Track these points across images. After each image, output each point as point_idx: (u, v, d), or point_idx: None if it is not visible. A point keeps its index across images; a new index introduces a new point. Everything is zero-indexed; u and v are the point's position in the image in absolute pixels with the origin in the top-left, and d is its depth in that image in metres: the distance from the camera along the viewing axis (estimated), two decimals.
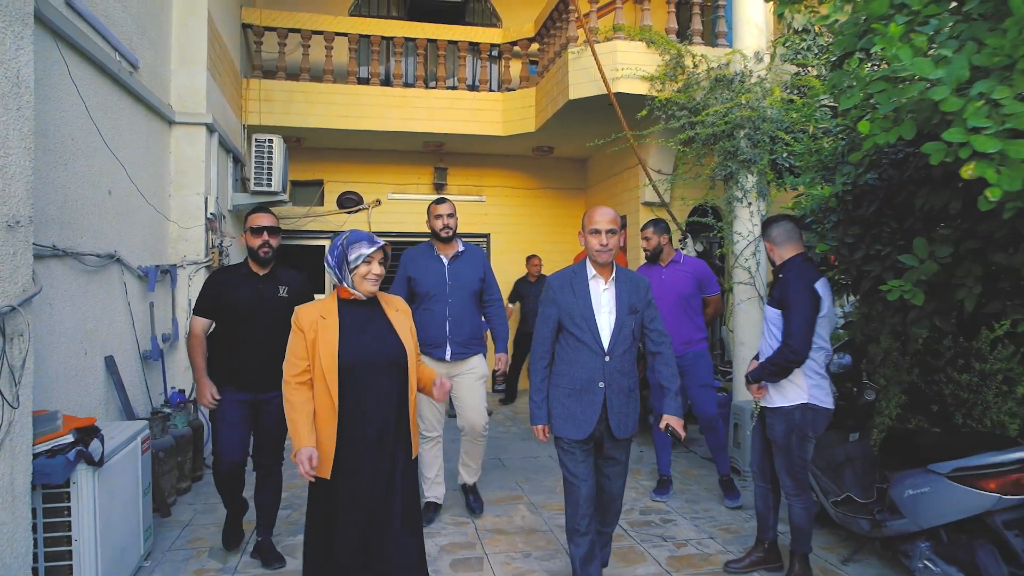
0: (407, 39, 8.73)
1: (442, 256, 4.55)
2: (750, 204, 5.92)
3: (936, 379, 4.45)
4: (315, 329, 2.75)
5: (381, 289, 3.02)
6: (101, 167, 4.34)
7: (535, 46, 8.70)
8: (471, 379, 4.56)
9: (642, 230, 5.15)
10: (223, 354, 3.77)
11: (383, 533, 2.77)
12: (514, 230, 9.96)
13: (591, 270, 3.27)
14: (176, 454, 4.90)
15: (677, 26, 6.96)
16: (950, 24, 2.23)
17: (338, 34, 8.45)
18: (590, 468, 3.25)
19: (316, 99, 8.17)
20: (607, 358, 3.19)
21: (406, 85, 8.82)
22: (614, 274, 3.27)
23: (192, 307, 3.98)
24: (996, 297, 3.03)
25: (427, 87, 8.73)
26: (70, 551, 3.06)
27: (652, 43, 6.70)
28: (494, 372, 4.91)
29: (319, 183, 9.40)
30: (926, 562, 3.30)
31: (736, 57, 6.13)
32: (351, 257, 2.78)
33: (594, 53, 6.51)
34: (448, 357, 4.47)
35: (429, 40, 8.74)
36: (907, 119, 2.22)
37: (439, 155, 9.66)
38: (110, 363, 4.43)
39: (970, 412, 4.26)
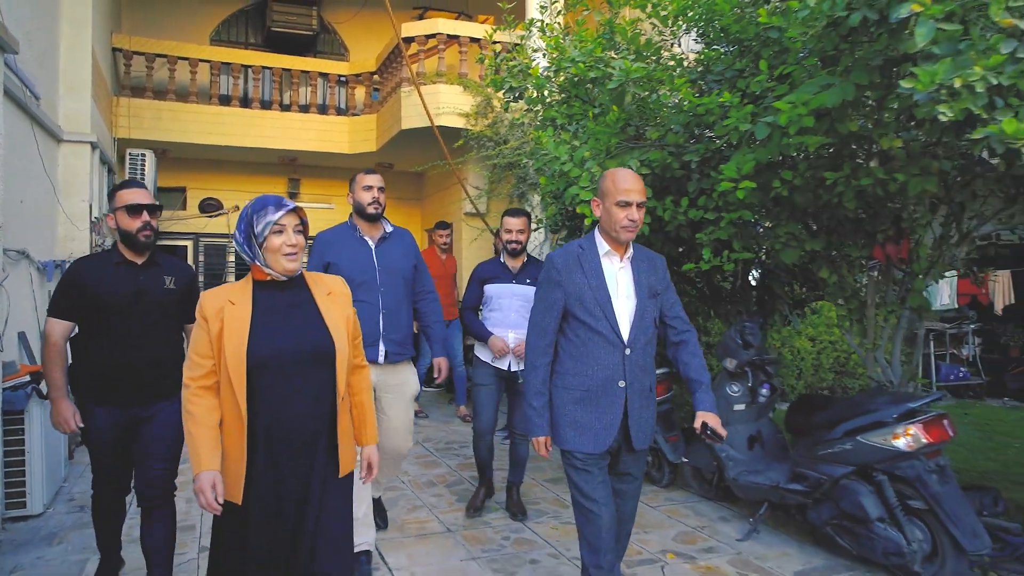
0: (264, 67, 10.03)
1: (367, 238, 3.73)
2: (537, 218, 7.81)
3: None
4: (220, 318, 2.18)
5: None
6: (15, 180, 5.51)
7: (377, 77, 10.26)
8: (401, 398, 3.75)
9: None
10: (92, 363, 3.00)
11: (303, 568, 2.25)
12: None
13: (603, 245, 2.70)
14: None
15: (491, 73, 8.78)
16: (582, 128, 4.09)
17: (202, 60, 9.62)
18: (609, 490, 2.71)
19: (182, 117, 9.32)
20: (628, 351, 2.64)
21: (263, 106, 10.09)
22: (631, 252, 2.74)
23: (48, 308, 3.09)
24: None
25: (282, 110, 10.06)
26: (24, 459, 4.34)
27: (466, 88, 8.47)
28: (432, 381, 4.72)
29: (182, 190, 10.49)
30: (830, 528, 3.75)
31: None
32: (258, 228, 2.20)
33: (420, 95, 8.18)
34: (381, 359, 3.62)
35: (284, 69, 10.09)
36: (559, 179, 4.04)
37: (293, 167, 11.00)
38: (22, 337, 5.58)
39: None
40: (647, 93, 3.78)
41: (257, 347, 2.17)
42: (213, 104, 9.60)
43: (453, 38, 8.80)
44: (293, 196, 11.08)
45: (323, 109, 10.38)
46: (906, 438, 3.40)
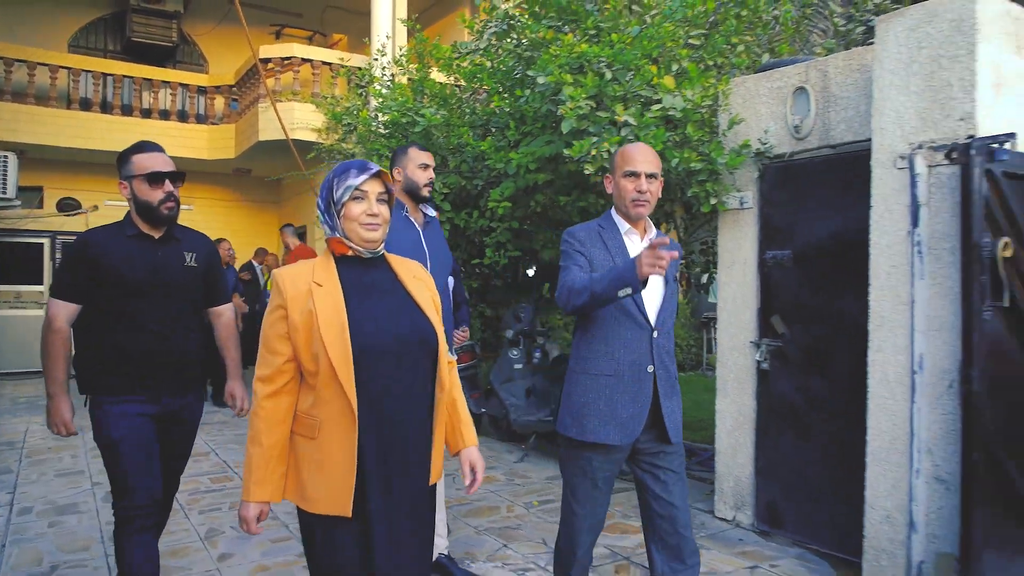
0: (125, 75, 10.69)
1: (414, 221, 3.32)
2: None
3: None
4: (307, 301, 1.87)
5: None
6: None
7: (235, 90, 11.15)
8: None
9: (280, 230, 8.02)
10: (109, 348, 2.61)
11: None
12: (218, 234, 12.24)
13: (622, 223, 2.52)
14: None
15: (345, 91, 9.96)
16: None
17: (62, 67, 10.17)
18: (606, 497, 2.54)
19: (41, 120, 9.86)
20: (655, 333, 2.46)
21: (124, 112, 10.73)
22: (652, 232, 2.55)
23: (51, 288, 2.66)
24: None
25: (143, 116, 10.75)
26: None
27: (318, 106, 9.62)
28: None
29: (39, 189, 10.91)
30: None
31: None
32: (337, 193, 1.92)
33: (276, 112, 9.24)
34: None
35: (145, 78, 10.79)
36: None
37: None
38: None
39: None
40: (444, 136, 5.19)
41: (359, 331, 1.85)
42: (73, 109, 10.17)
43: (307, 60, 9.91)
44: None
45: (183, 116, 11.14)
46: None
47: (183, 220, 2.78)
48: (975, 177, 2.77)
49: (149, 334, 2.62)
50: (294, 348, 1.88)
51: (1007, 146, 2.77)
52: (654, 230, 2.57)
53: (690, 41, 4.25)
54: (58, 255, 11.24)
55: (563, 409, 2.55)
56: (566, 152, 3.77)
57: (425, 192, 3.30)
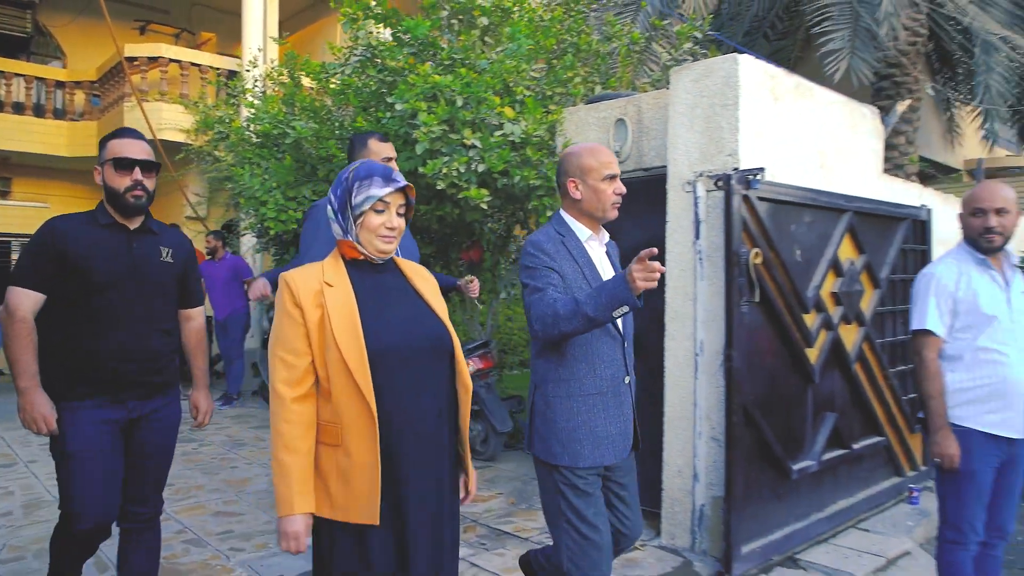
0: None
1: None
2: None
3: None
4: (320, 304, 1.84)
5: None
6: None
7: (98, 86, 10.93)
8: None
9: (206, 237, 8.15)
10: (72, 347, 2.44)
11: None
12: None
13: (583, 230, 2.45)
14: None
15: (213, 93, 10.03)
16: (271, 165, 5.81)
17: None
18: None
19: None
20: (626, 344, 2.46)
21: None
22: (605, 235, 2.55)
23: (11, 275, 2.46)
24: None
25: None
26: None
27: (187, 108, 9.68)
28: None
29: None
30: None
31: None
32: (357, 199, 1.88)
33: (143, 111, 9.23)
34: None
35: None
36: (253, 201, 5.71)
37: (5, 166, 11.21)
38: None
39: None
40: (314, 147, 5.61)
41: (374, 335, 1.82)
42: None
43: (175, 60, 9.92)
44: (4, 195, 11.28)
45: (39, 111, 10.79)
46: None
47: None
48: (735, 201, 3.55)
49: (120, 332, 2.44)
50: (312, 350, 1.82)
51: (759, 177, 3.57)
52: (606, 234, 2.56)
53: (532, 74, 4.90)
54: None
55: (545, 436, 2.38)
56: (421, 169, 4.32)
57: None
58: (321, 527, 1.85)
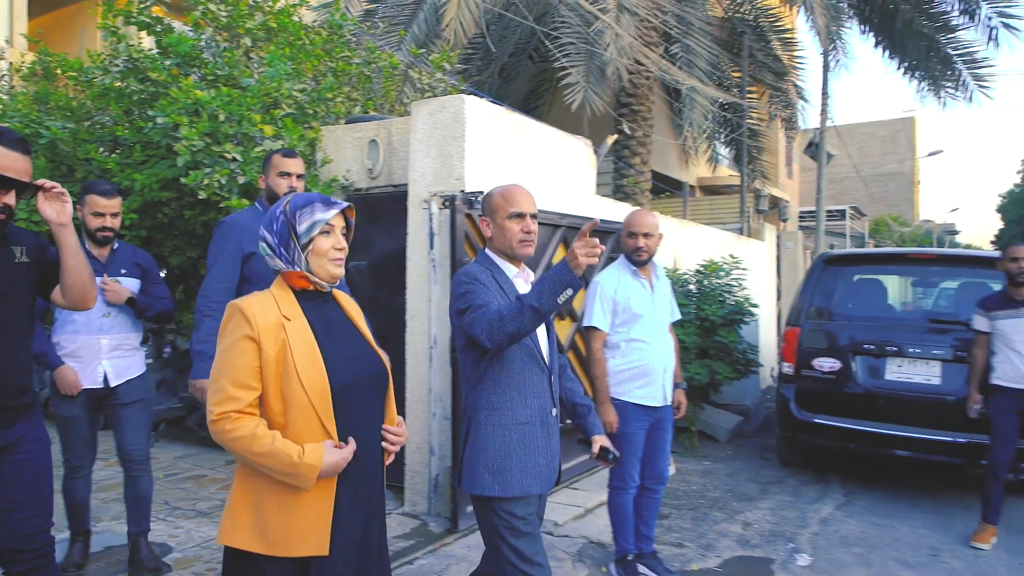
0: None
1: None
2: None
3: None
4: (280, 337, 1.85)
5: None
6: None
7: None
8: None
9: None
10: None
11: None
12: None
13: (508, 267, 2.52)
14: None
15: None
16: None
17: None
18: None
19: None
20: (552, 377, 2.53)
21: None
22: (527, 272, 2.61)
23: None
24: None
25: None
26: None
27: None
28: None
29: None
30: None
31: None
32: (301, 228, 1.92)
33: None
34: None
35: None
36: None
37: None
38: None
39: None
40: (72, 148, 5.59)
41: (333, 371, 1.87)
42: None
43: None
44: None
45: None
46: None
47: None
48: (459, 218, 4.26)
49: None
50: (264, 384, 1.81)
51: (479, 198, 4.31)
52: (530, 273, 2.62)
53: (295, 92, 5.32)
54: None
55: (476, 466, 2.42)
56: (183, 180, 4.60)
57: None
58: (246, 565, 1.83)
